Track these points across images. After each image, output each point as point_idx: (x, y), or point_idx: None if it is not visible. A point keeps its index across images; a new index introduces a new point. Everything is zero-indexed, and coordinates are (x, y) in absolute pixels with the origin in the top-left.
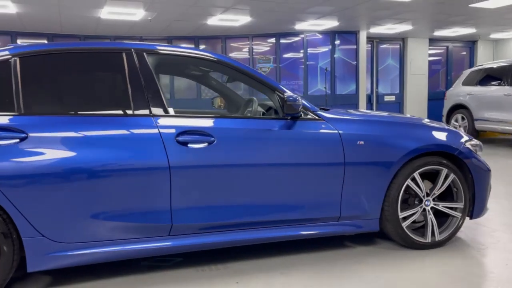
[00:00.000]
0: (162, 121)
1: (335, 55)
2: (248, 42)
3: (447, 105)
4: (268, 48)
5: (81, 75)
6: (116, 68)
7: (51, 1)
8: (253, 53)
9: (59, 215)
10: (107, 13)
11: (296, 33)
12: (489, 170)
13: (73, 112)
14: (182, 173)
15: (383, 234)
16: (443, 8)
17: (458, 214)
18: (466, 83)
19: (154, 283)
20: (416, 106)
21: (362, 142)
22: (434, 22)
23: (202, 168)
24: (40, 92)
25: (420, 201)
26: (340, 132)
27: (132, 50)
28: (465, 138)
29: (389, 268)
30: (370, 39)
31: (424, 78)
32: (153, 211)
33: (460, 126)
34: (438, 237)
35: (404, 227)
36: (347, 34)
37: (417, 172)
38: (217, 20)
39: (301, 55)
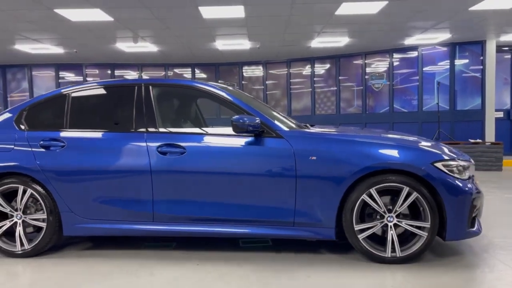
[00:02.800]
0: (150, 136)
1: (455, 68)
2: (361, 60)
3: None
4: (382, 64)
5: (105, 104)
6: (129, 98)
7: (183, 44)
8: (366, 70)
9: (82, 199)
10: (221, 45)
11: (411, 48)
12: (470, 192)
13: (97, 129)
14: (160, 175)
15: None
16: None
17: (424, 234)
18: None
19: (146, 257)
20: None
21: (314, 158)
22: None
23: (175, 172)
24: (78, 116)
25: (382, 216)
26: (294, 148)
27: (142, 84)
28: (440, 158)
29: (326, 275)
30: (501, 47)
31: None
32: (141, 201)
33: None
34: (399, 254)
35: (360, 239)
36: (470, 45)
37: (373, 188)
38: (317, 43)
39: (416, 70)
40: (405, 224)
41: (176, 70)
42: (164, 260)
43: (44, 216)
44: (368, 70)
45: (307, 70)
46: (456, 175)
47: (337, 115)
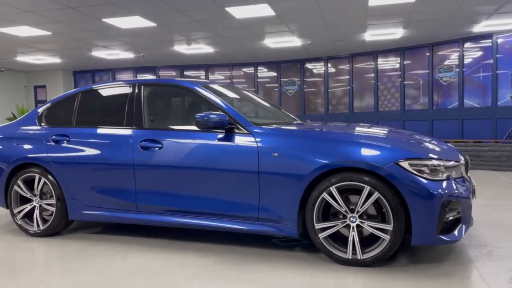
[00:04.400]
0: (134, 132)
1: None
2: (428, 52)
3: None
4: (450, 55)
5: (105, 103)
6: (124, 97)
7: (329, 36)
8: (433, 63)
9: (82, 188)
10: (271, 43)
11: (483, 36)
12: (440, 195)
13: (95, 126)
14: (141, 168)
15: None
16: None
17: (386, 237)
18: None
19: (131, 243)
20: None
21: (276, 154)
22: None
23: (153, 165)
24: (82, 115)
25: (345, 216)
26: (258, 144)
27: (135, 84)
28: (406, 156)
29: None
30: None
31: None
32: (127, 192)
33: None
34: (360, 256)
35: (321, 238)
36: None
37: (333, 186)
38: (370, 36)
39: (490, 60)
40: (367, 225)
41: (245, 70)
42: (144, 247)
43: (54, 202)
44: (435, 62)
45: (369, 64)
46: (425, 176)
47: (401, 111)
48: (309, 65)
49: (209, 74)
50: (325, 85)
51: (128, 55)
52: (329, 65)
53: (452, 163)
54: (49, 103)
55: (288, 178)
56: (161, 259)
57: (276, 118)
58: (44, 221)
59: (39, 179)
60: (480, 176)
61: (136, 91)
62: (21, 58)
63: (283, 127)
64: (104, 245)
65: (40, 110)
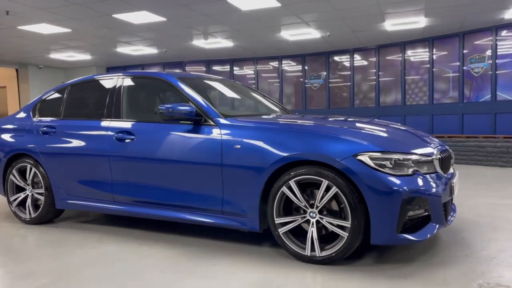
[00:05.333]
0: (111, 124)
1: None
2: (458, 42)
3: None
4: (482, 45)
5: (91, 96)
6: (107, 90)
7: (347, 27)
8: (464, 53)
9: (66, 178)
10: (288, 35)
11: None
12: (401, 191)
13: (80, 118)
14: (115, 159)
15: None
16: None
17: (344, 234)
18: None
19: (106, 232)
20: None
21: (238, 146)
22: None
23: (126, 157)
24: (70, 107)
25: (305, 211)
26: (222, 136)
27: (117, 77)
28: (366, 149)
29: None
30: None
31: None
32: (104, 183)
33: None
34: (319, 253)
35: (281, 233)
36: None
37: (293, 180)
38: (391, 26)
39: None
40: (325, 221)
41: (271, 63)
42: (119, 237)
43: (43, 191)
44: (466, 52)
45: (397, 56)
46: (386, 170)
47: (429, 105)
48: (335, 58)
49: (235, 68)
50: (351, 78)
51: (152, 50)
52: (356, 57)
53: (421, 157)
54: (43, 96)
55: (249, 171)
56: (129, 249)
57: (257, 109)
58: (36, 209)
59: (30, 169)
60: (506, 174)
61: (117, 83)
62: (54, 56)
63: (251, 119)
64: (84, 234)
65: (35, 102)
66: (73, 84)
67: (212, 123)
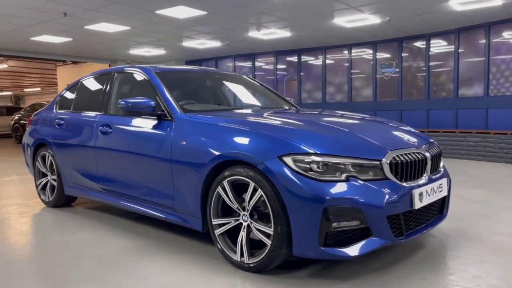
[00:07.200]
0: (98, 118)
1: None
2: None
3: None
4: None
5: (93, 90)
6: (102, 84)
7: (405, 9)
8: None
9: (68, 167)
10: (343, 22)
11: None
12: (322, 199)
13: (82, 111)
14: (98, 151)
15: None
16: None
17: (268, 242)
18: None
19: (98, 219)
20: None
21: (184, 143)
22: None
23: (105, 149)
24: (78, 101)
25: (239, 214)
26: (173, 132)
27: (110, 72)
28: (291, 151)
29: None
30: None
31: None
32: (92, 173)
33: None
34: (247, 260)
35: (216, 234)
36: None
37: (226, 180)
38: (458, 5)
39: None
40: (254, 226)
41: (341, 53)
42: (103, 226)
43: (56, 177)
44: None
45: (480, 41)
46: (311, 174)
47: (484, 98)
48: (408, 44)
49: (302, 57)
50: (426, 66)
51: (215, 43)
52: (432, 43)
53: (364, 161)
54: (65, 90)
55: (192, 168)
56: (101, 237)
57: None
58: (53, 194)
59: (47, 157)
60: None
61: (109, 79)
62: (133, 52)
63: (210, 114)
64: (77, 220)
65: (59, 95)
66: (83, 80)
67: (169, 118)
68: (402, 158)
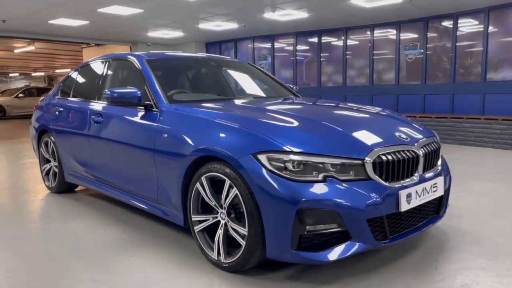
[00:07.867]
0: (91, 106)
1: None
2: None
3: None
4: None
5: (89, 78)
6: (98, 71)
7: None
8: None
9: (67, 154)
10: (363, 2)
11: None
12: (295, 201)
13: (78, 98)
14: (92, 140)
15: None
16: None
17: (242, 242)
18: None
19: (94, 207)
20: None
21: (166, 135)
22: None
23: (97, 137)
24: (76, 88)
25: (217, 211)
26: (157, 123)
27: (105, 59)
28: (266, 148)
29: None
30: None
31: None
32: (86, 163)
33: None
34: (224, 259)
35: (196, 231)
36: None
37: (204, 176)
38: None
39: None
40: (230, 225)
41: (363, 35)
42: (98, 215)
43: (57, 164)
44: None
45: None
46: (285, 174)
47: None
48: (434, 24)
49: (322, 38)
50: (453, 48)
51: (232, 25)
52: (460, 23)
53: (345, 160)
54: (67, 77)
55: (173, 162)
56: (94, 228)
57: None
58: (55, 180)
59: (49, 144)
60: None
61: (104, 66)
62: (151, 34)
63: (191, 106)
64: (76, 208)
65: (61, 82)
66: (81, 67)
67: (155, 109)
68: (389, 157)
